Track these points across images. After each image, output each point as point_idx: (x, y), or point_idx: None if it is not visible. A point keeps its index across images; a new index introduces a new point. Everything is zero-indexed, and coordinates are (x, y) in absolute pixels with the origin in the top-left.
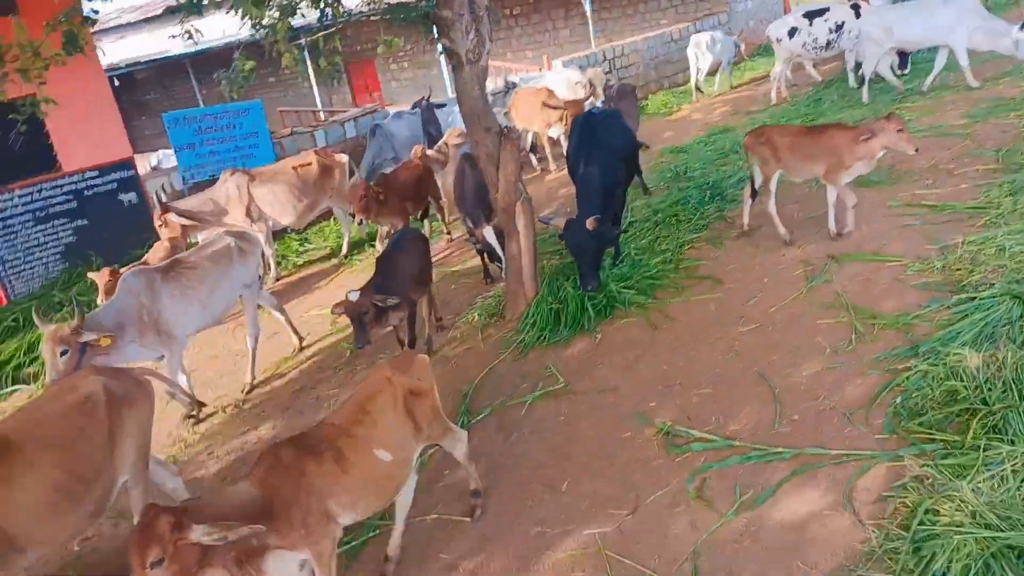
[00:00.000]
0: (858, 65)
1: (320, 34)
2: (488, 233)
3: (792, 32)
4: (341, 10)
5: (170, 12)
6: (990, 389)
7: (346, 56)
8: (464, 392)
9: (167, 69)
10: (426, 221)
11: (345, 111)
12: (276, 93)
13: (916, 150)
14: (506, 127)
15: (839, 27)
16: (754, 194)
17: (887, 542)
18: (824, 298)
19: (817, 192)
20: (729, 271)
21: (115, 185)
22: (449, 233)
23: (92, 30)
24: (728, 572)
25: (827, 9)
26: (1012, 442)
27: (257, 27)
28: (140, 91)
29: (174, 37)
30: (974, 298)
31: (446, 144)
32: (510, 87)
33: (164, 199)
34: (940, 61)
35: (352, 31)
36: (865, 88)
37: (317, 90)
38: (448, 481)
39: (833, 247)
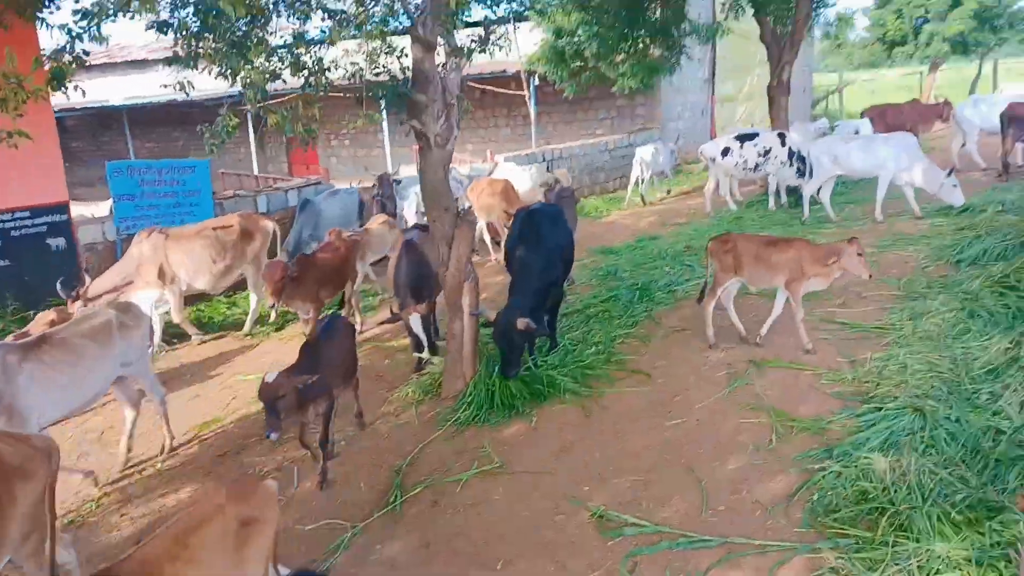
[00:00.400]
0: (781, 189)
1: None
2: (414, 320)
3: (725, 152)
4: (324, 80)
5: (167, 63)
6: (896, 491)
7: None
8: (397, 467)
9: (100, 119)
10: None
11: (289, 179)
12: (210, 156)
13: (870, 276)
14: (463, 210)
15: (767, 152)
16: (701, 297)
17: None
18: (746, 399)
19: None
20: (657, 367)
21: (45, 228)
22: (363, 323)
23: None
24: None
25: (757, 134)
26: (917, 540)
27: (246, 85)
28: (67, 136)
29: (165, 87)
30: (880, 408)
31: (367, 230)
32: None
33: (87, 271)
34: (881, 192)
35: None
36: (805, 206)
37: (255, 157)
38: (381, 554)
39: (754, 353)
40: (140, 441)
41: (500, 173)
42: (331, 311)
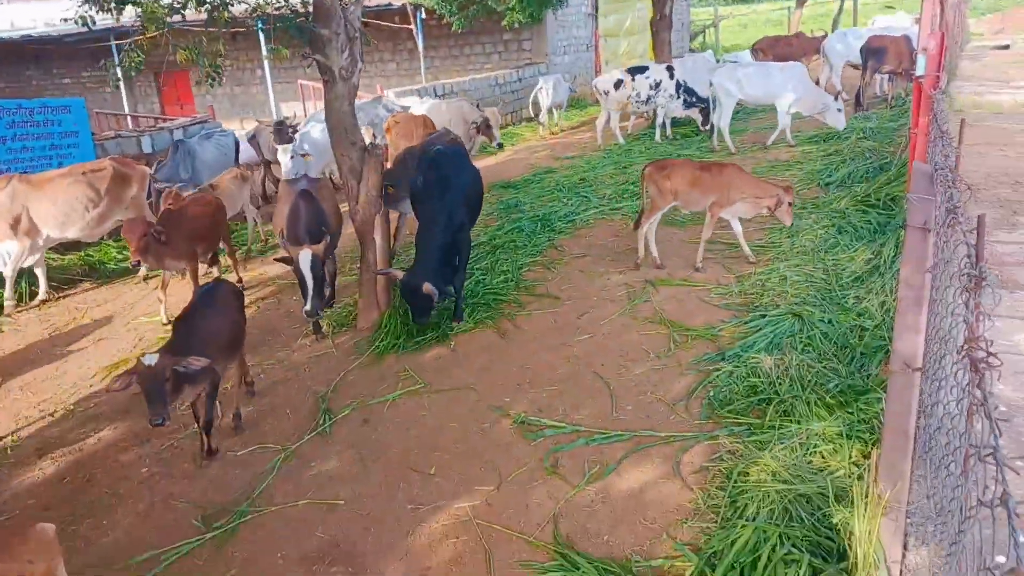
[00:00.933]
0: (667, 121)
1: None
2: (304, 256)
3: (618, 84)
4: (227, 14)
5: None
6: (780, 384)
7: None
8: (321, 394)
9: None
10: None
11: (172, 119)
12: (76, 97)
13: (791, 224)
14: (371, 143)
15: (657, 84)
16: (637, 224)
17: (709, 499)
18: (645, 314)
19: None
20: (563, 291)
21: None
22: (240, 280)
23: None
24: (584, 531)
25: (647, 68)
26: (798, 423)
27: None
28: None
29: (66, 20)
30: (764, 315)
31: (214, 185)
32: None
33: None
34: (782, 119)
35: (176, 38)
36: (727, 137)
37: (125, 97)
38: (317, 470)
39: (649, 274)
40: (47, 385)
41: (419, 109)
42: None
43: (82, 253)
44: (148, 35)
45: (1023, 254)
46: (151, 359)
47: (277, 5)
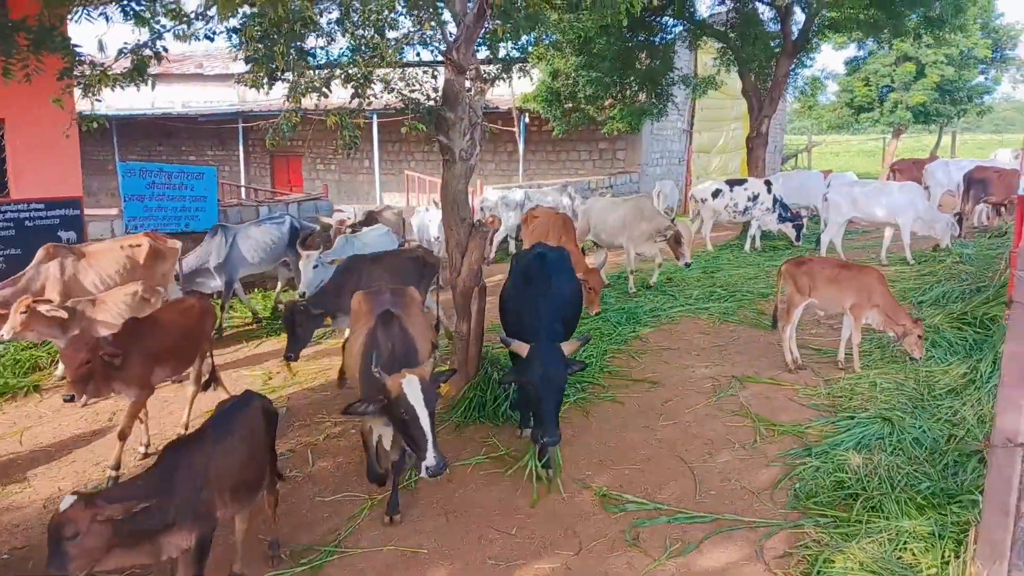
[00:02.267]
0: (757, 233)
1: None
2: (410, 384)
3: (716, 193)
4: (370, 92)
5: (237, 81)
6: (868, 481)
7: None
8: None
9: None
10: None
11: (287, 194)
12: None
13: (919, 358)
14: (478, 221)
15: (755, 197)
16: (774, 323)
17: None
18: (730, 407)
19: (713, 326)
20: (647, 378)
21: (58, 221)
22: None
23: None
24: None
25: (746, 180)
26: (887, 519)
27: (302, 92)
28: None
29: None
30: (853, 417)
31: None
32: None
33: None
34: (887, 237)
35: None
36: (839, 249)
37: (243, 176)
38: (401, 520)
39: (736, 370)
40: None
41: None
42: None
43: None
44: (290, 107)
45: None
46: (67, 502)
47: (411, 90)
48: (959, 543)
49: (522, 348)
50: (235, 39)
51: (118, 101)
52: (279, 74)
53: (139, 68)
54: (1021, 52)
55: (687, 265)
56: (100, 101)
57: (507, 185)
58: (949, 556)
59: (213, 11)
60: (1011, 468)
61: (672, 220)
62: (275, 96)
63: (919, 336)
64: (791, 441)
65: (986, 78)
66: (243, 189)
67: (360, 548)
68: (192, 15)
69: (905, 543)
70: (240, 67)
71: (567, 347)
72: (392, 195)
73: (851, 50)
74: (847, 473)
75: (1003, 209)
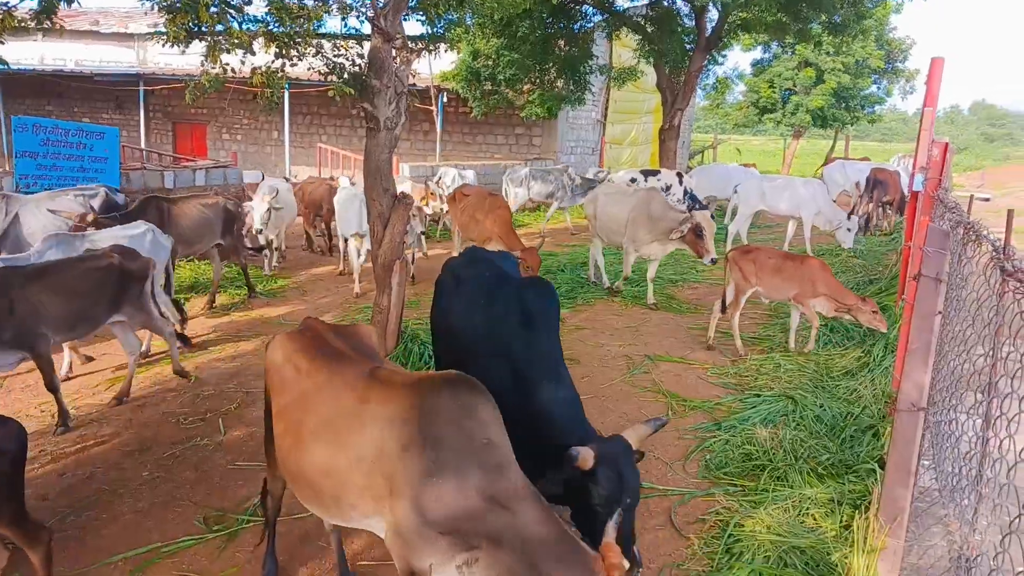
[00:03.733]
0: None
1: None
2: None
3: (631, 182)
4: (294, 53)
5: (164, 30)
6: (774, 454)
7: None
8: None
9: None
10: None
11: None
12: None
13: (886, 330)
14: (401, 192)
15: (667, 188)
16: (723, 308)
17: (705, 547)
18: (644, 383)
19: (626, 308)
20: (566, 356)
21: None
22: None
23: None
24: None
25: (660, 171)
26: (791, 487)
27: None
28: None
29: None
30: (759, 395)
31: None
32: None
33: None
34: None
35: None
36: (728, 241)
37: (144, 143)
38: None
39: (648, 349)
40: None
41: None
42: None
43: None
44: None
45: None
46: None
47: (336, 54)
48: (856, 507)
49: (588, 459)
50: None
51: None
52: (201, 27)
53: (47, 9)
54: (911, 64)
55: (712, 261)
56: (3, 44)
57: (420, 163)
58: (848, 519)
59: None
60: (913, 431)
61: (690, 211)
62: (178, 62)
63: (873, 311)
64: (702, 416)
65: (878, 88)
66: (145, 153)
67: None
68: None
69: (808, 509)
70: (139, 27)
71: (637, 435)
72: (302, 168)
73: (757, 52)
74: (754, 446)
75: (891, 209)
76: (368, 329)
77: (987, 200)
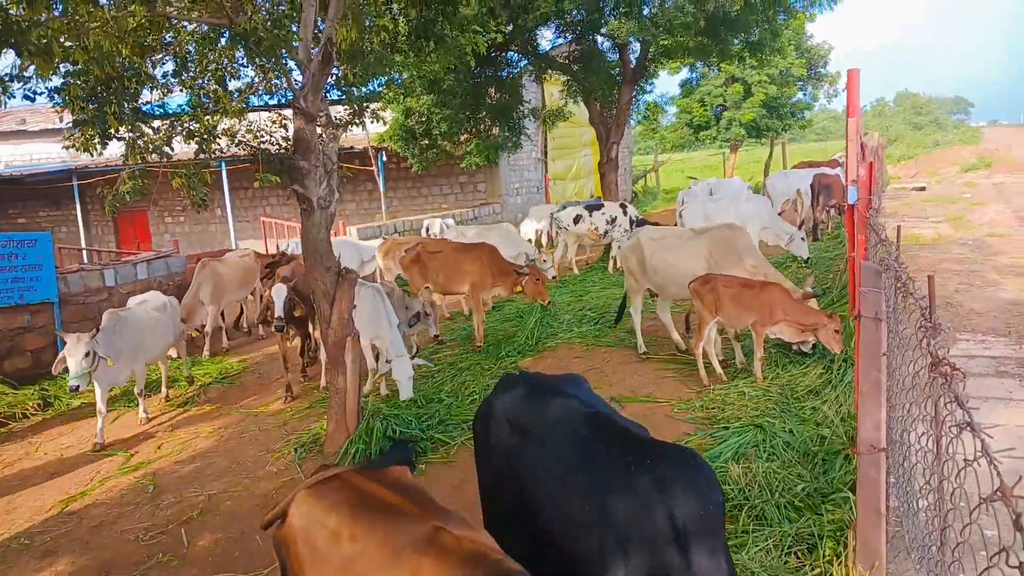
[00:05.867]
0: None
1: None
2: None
3: (577, 219)
4: (215, 146)
5: (75, 125)
6: (750, 490)
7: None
8: None
9: None
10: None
11: (137, 252)
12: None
13: (841, 351)
14: (344, 268)
15: (613, 220)
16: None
17: None
18: None
19: (587, 350)
20: None
21: None
22: None
23: None
24: None
25: (603, 205)
26: (770, 525)
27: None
28: None
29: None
30: (728, 428)
31: None
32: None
33: None
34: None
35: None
36: None
37: (83, 237)
38: None
39: (614, 390)
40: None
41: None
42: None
43: (36, 387)
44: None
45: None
46: None
47: (261, 139)
48: (837, 541)
49: None
50: (58, 99)
51: None
52: (114, 133)
53: None
54: (831, 68)
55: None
56: None
57: (367, 224)
58: (830, 555)
59: (31, 71)
60: (877, 472)
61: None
62: (112, 151)
63: (835, 331)
64: None
65: (804, 94)
66: (84, 252)
67: None
68: (5, 76)
69: (790, 547)
70: (68, 120)
71: None
72: (248, 242)
73: (684, 73)
74: (730, 484)
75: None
76: (401, 470)
77: (923, 189)
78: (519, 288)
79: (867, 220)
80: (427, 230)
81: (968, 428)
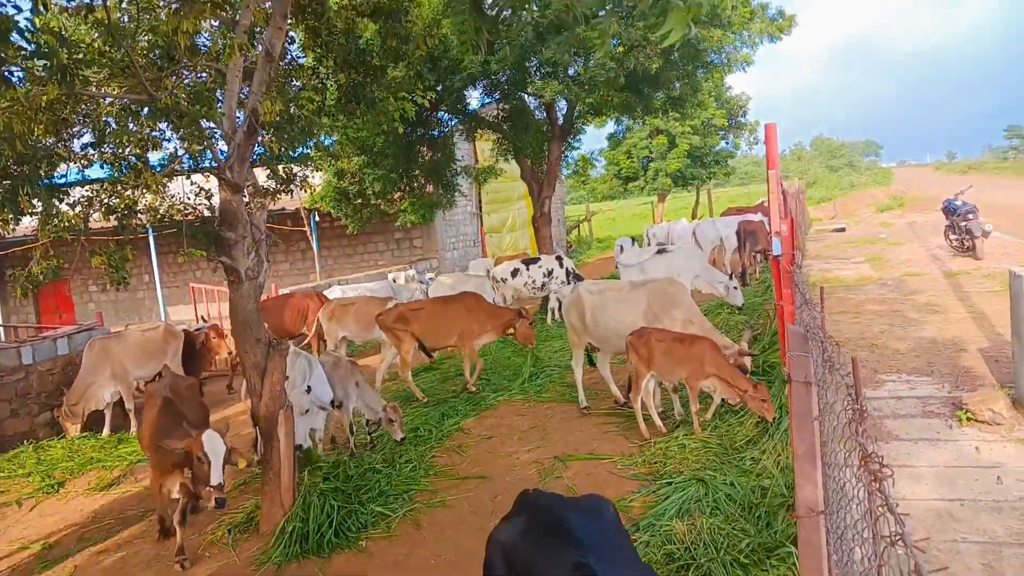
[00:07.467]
0: (558, 304)
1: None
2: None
3: (515, 273)
4: (135, 221)
5: None
6: (695, 549)
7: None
8: None
9: None
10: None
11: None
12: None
13: (772, 420)
14: (274, 340)
15: (550, 272)
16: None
17: None
18: (558, 489)
19: (529, 406)
20: (474, 472)
21: None
22: None
23: None
24: None
25: (539, 258)
26: None
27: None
28: None
29: None
30: (671, 483)
31: None
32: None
33: None
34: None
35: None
36: None
37: (0, 308)
38: None
39: (557, 449)
40: None
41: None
42: None
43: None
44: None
45: (890, 408)
46: None
47: (185, 211)
48: None
49: None
50: None
51: None
52: (27, 211)
53: None
54: (750, 117)
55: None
56: None
57: (302, 285)
58: None
59: None
60: (817, 535)
61: None
62: (27, 220)
63: (763, 400)
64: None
65: (726, 143)
66: (1, 329)
67: None
68: None
69: None
70: None
71: None
72: (178, 308)
73: (611, 126)
74: (675, 544)
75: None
76: None
77: (843, 230)
78: (511, 331)
79: (791, 276)
80: (393, 282)
81: (900, 540)
